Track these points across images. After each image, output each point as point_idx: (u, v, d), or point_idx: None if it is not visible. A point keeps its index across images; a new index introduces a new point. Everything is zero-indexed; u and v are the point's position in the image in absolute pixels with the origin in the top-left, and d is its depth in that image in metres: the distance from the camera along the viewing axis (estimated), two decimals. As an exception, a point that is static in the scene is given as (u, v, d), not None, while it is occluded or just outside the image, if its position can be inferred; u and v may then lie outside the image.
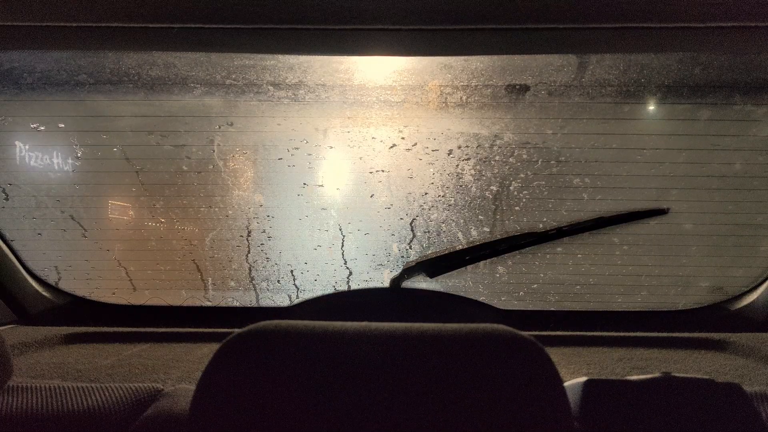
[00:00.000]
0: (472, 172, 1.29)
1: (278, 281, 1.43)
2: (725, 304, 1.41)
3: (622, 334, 1.24)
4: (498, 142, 1.25)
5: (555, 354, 0.72)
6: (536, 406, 0.69)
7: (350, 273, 1.41)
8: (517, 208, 1.34)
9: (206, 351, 1.17)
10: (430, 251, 1.38)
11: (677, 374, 0.84)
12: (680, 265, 1.41)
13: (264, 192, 1.33)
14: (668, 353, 1.18)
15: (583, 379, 0.84)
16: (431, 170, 1.30)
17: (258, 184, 1.31)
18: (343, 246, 1.38)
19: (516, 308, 1.48)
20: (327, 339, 0.71)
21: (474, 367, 0.69)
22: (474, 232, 1.38)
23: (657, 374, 0.86)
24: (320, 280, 1.42)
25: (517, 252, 1.40)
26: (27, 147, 1.24)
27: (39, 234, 1.35)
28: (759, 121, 1.20)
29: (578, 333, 1.22)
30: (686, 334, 1.25)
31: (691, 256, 1.40)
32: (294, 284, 1.42)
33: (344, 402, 0.67)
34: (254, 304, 1.45)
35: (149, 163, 1.27)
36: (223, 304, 1.46)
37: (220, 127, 1.24)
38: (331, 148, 1.26)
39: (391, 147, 1.28)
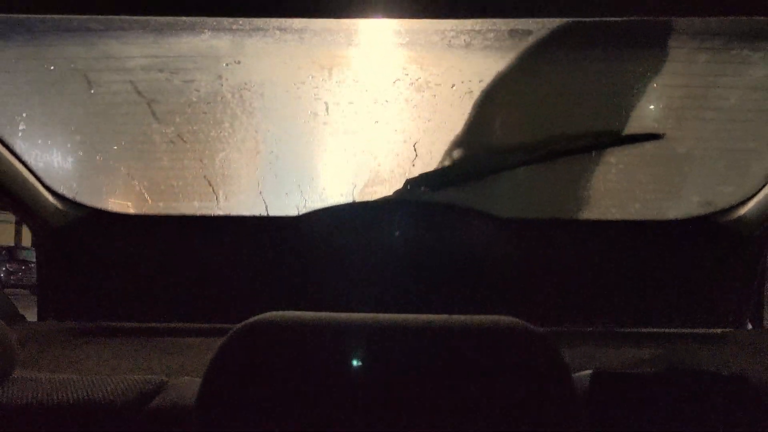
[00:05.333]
0: (474, 101, 1.70)
1: (286, 194, 1.92)
2: (714, 217, 1.90)
3: (624, 330, 1.66)
4: (499, 77, 1.65)
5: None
6: (545, 397, 0.85)
7: (355, 187, 1.88)
8: (518, 129, 1.78)
9: (211, 345, 1.50)
10: (432, 168, 1.83)
11: (684, 367, 1.12)
12: (673, 183, 1.89)
13: (271, 120, 1.77)
14: (672, 348, 1.59)
15: (591, 371, 1.05)
16: (434, 101, 1.72)
17: (265, 113, 1.75)
18: (347, 164, 1.83)
19: (515, 216, 1.96)
20: (332, 331, 0.90)
21: (483, 359, 0.87)
22: (475, 150, 1.82)
23: (664, 367, 1.13)
24: (326, 193, 1.90)
25: (517, 168, 1.85)
26: (42, 84, 1.65)
27: (55, 156, 1.81)
28: (755, 64, 1.59)
29: (580, 329, 1.65)
30: (689, 330, 1.70)
31: (684, 174, 1.87)
32: (302, 197, 1.90)
33: (351, 394, 0.85)
34: (264, 213, 1.94)
35: (160, 95, 1.70)
36: (234, 213, 1.95)
37: (227, 65, 1.64)
38: (336, 82, 1.67)
39: (395, 81, 1.68)
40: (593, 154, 1.87)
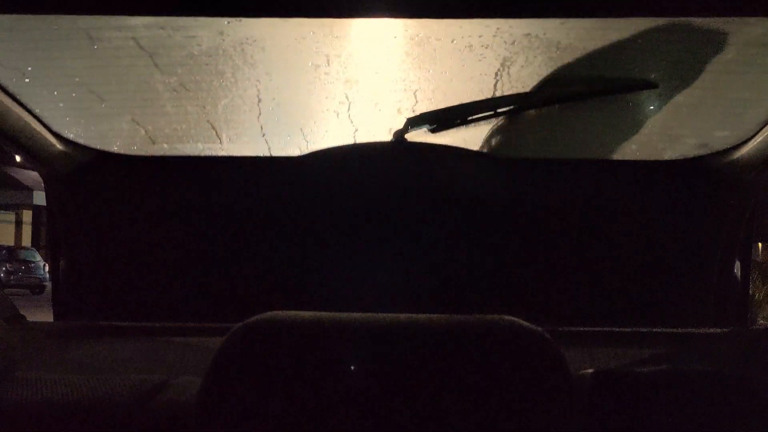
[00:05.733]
0: (474, 54, 1.82)
1: (288, 136, 2.06)
2: (708, 158, 2.06)
3: (624, 330, 1.79)
4: (499, 32, 1.76)
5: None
6: (545, 397, 0.91)
7: (356, 130, 2.03)
8: (518, 80, 1.90)
9: (212, 344, 1.42)
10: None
11: (684, 367, 1.16)
12: (668, 126, 2.03)
13: (273, 71, 1.90)
14: (672, 348, 1.72)
15: (591, 371, 1.10)
16: (435, 54, 1.85)
17: (266, 64, 1.88)
18: (349, 110, 1.98)
19: (514, 156, 2.12)
20: (333, 330, 0.98)
21: (483, 358, 0.94)
22: (475, 96, 1.95)
23: (664, 367, 1.13)
24: (328, 135, 2.05)
25: (517, 112, 2.00)
26: (46, 40, 1.76)
27: (60, 104, 1.95)
28: (753, 24, 1.70)
29: (581, 329, 1.78)
30: (689, 330, 1.85)
31: (681, 119, 2.01)
32: (304, 139, 2.06)
33: (351, 393, 0.92)
34: (267, 154, 2.10)
35: (162, 50, 1.82)
36: (237, 153, 2.10)
37: (228, 22, 1.74)
38: (337, 37, 1.78)
39: (396, 37, 1.79)
40: (590, 100, 2.00)
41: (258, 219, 2.15)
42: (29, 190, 26.95)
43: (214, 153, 2.14)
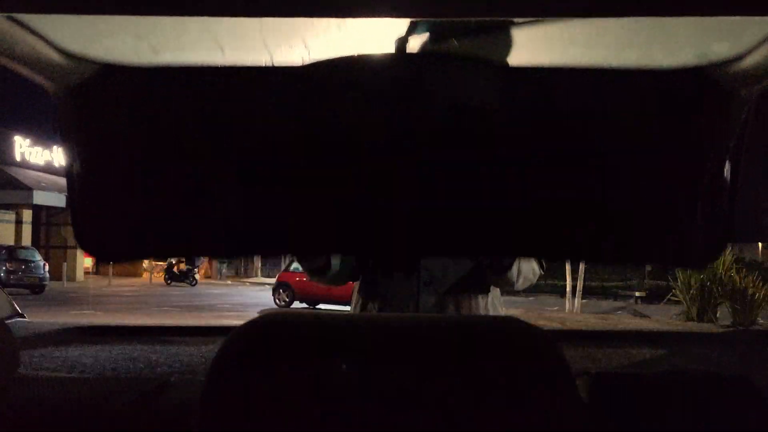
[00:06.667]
0: None
1: (290, 46, 2.10)
2: (705, 69, 2.12)
3: (625, 329, 1.86)
4: None
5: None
6: (546, 398, 0.91)
7: (359, 41, 2.07)
8: None
9: (213, 344, 1.42)
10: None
11: (686, 368, 1.24)
12: (669, 36, 2.07)
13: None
14: (672, 348, 1.76)
15: (592, 371, 1.14)
16: None
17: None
18: (352, 22, 2.01)
19: (521, 65, 2.18)
20: (335, 330, 0.99)
21: (483, 358, 0.95)
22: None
23: (666, 368, 1.22)
24: (330, 46, 2.09)
25: (522, 21, 2.04)
26: None
27: (63, 23, 1.97)
28: None
29: (581, 329, 1.84)
30: (692, 330, 1.90)
31: (681, 30, 2.04)
32: (305, 48, 2.10)
33: (353, 393, 0.93)
34: (269, 63, 2.15)
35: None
36: (239, 63, 2.15)
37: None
38: None
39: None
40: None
41: (261, 127, 2.22)
42: (29, 190, 27.16)
43: (216, 62, 2.18)
